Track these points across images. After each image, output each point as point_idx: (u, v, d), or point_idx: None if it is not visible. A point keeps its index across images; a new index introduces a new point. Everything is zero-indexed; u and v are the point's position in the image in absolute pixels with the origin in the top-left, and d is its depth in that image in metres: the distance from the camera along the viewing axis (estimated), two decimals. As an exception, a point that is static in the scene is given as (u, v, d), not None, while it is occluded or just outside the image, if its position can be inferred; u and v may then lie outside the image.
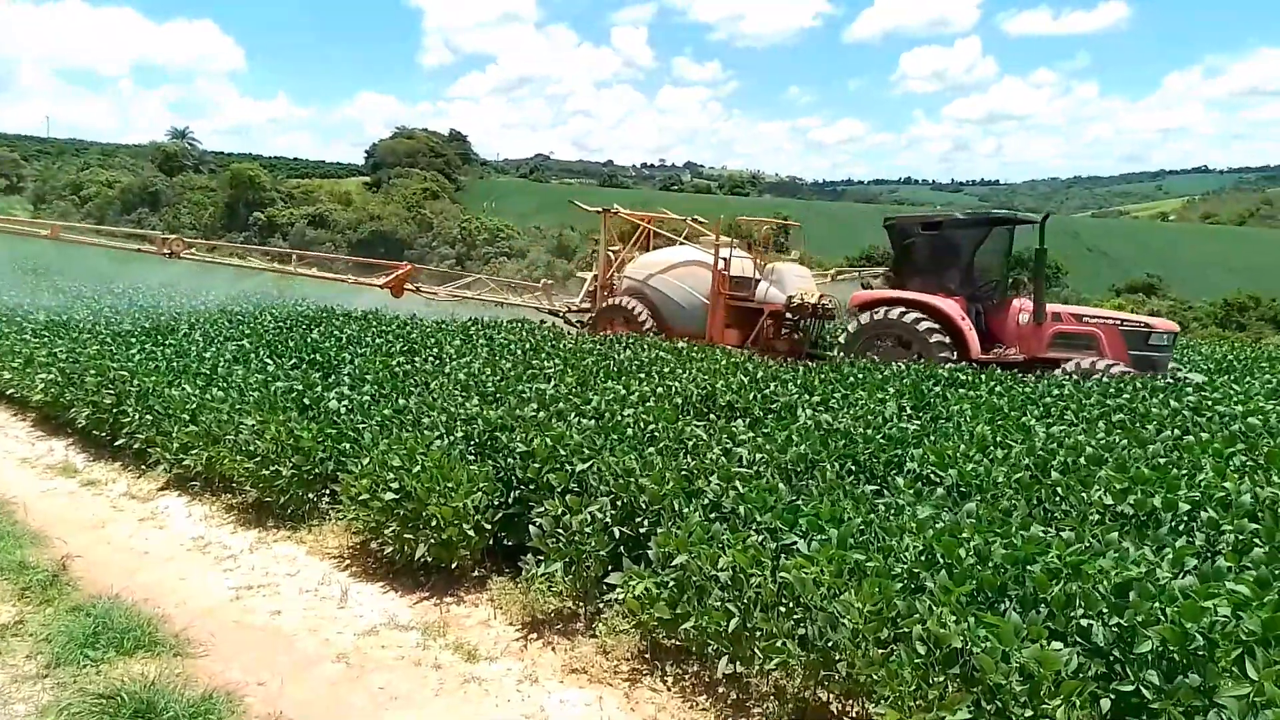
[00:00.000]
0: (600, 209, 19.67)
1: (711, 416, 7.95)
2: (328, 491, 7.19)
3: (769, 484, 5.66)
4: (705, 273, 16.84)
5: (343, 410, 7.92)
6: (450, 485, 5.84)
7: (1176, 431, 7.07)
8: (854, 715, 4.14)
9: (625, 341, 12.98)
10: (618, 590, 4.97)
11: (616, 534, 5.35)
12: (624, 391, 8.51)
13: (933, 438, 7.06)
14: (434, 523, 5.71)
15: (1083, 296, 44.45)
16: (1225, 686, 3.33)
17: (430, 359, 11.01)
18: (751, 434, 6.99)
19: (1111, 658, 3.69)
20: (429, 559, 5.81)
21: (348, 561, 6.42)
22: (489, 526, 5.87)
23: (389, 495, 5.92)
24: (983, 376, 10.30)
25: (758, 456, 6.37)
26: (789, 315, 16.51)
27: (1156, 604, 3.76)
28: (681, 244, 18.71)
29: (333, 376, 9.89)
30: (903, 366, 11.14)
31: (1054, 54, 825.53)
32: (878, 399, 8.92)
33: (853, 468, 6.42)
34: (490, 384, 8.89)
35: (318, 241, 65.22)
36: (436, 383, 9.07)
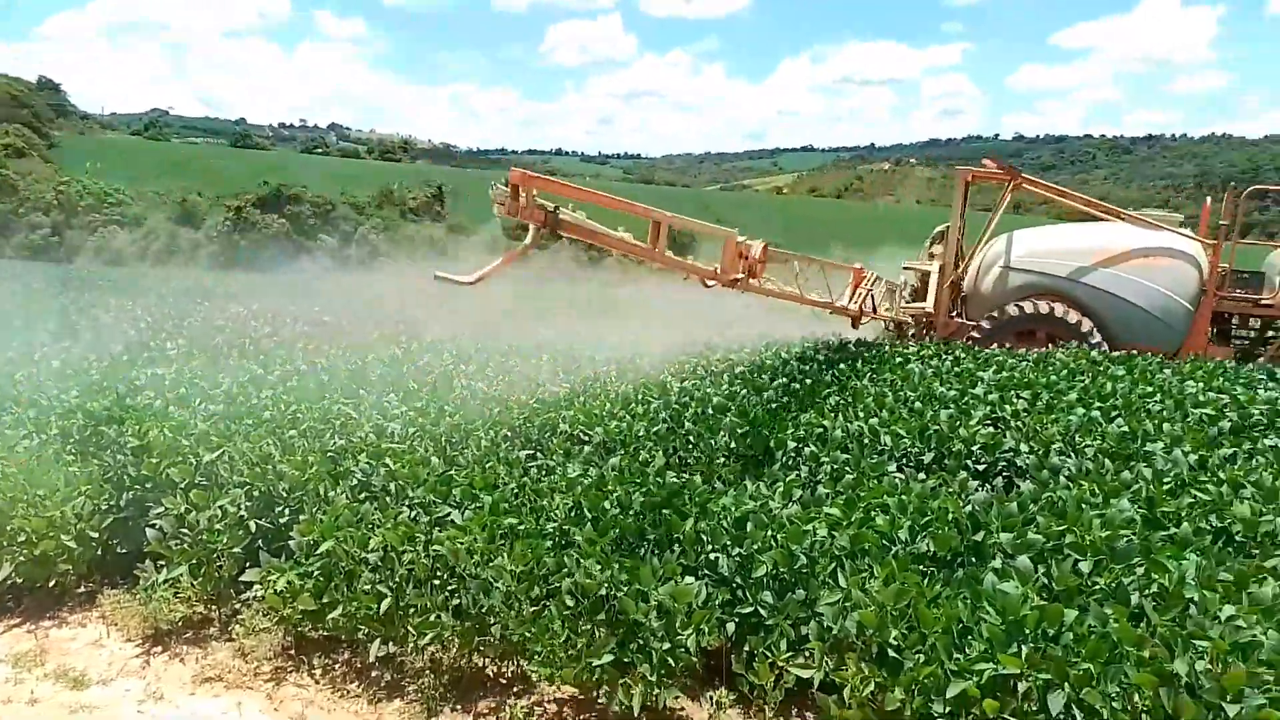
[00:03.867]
0: (982, 171, 13.67)
1: (362, 392, 7.61)
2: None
3: (421, 457, 5.55)
4: (1181, 265, 12.45)
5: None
6: (42, 493, 5.01)
7: (784, 379, 8.02)
8: (510, 675, 4.21)
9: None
10: (256, 588, 4.59)
11: (253, 527, 4.93)
12: (261, 371, 7.87)
13: (582, 399, 7.36)
14: (23, 537, 4.88)
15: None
16: (823, 596, 3.83)
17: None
18: (405, 408, 6.80)
19: (735, 584, 4.10)
20: (19, 579, 4.96)
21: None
22: (96, 535, 5.12)
23: (-44, 511, 4.95)
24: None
25: (410, 430, 6.22)
26: None
27: (769, 532, 4.24)
28: (1109, 221, 13.48)
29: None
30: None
31: (687, 36, 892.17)
32: (532, 364, 9.13)
33: (508, 434, 6.50)
34: (95, 370, 7.75)
35: None
36: (23, 372, 7.72)
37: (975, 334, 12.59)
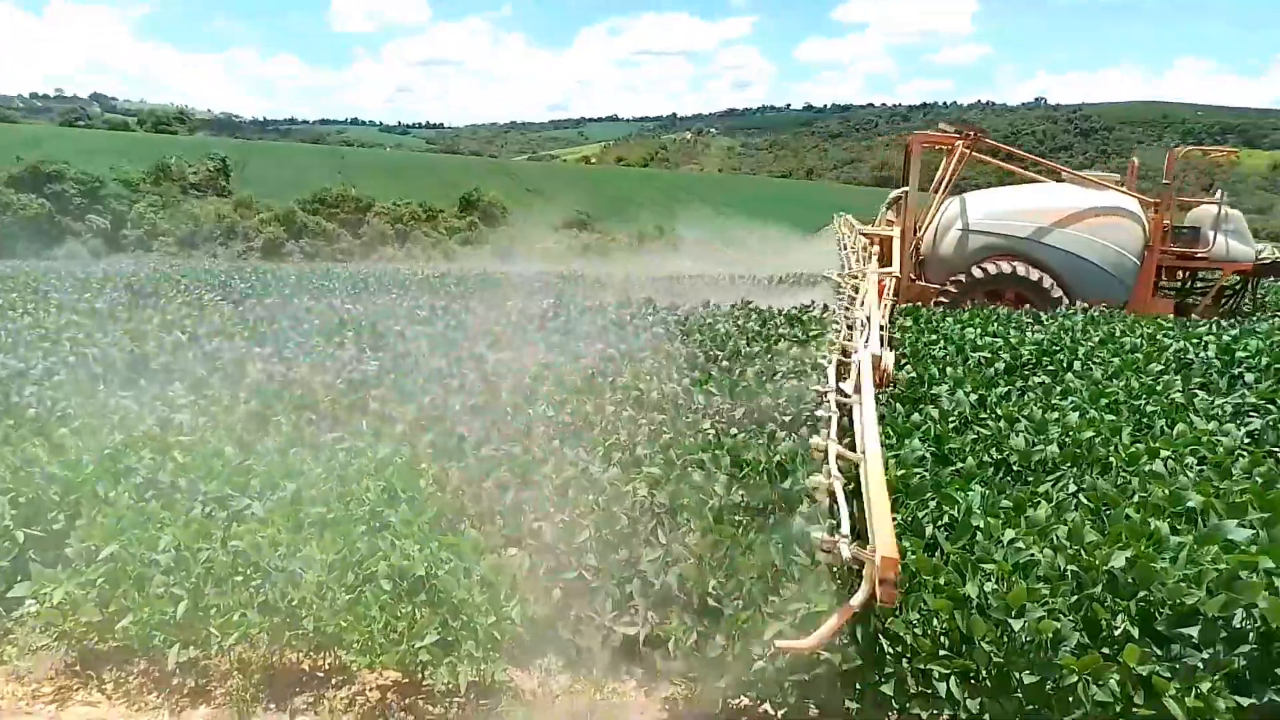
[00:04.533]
0: (952, 131, 14.01)
1: (142, 383, 6.95)
2: None
3: (214, 449, 5.15)
4: (1128, 224, 12.96)
5: None
6: None
7: (600, 345, 8.06)
8: (328, 667, 4.00)
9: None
10: (29, 603, 4.11)
11: (21, 537, 4.40)
12: (22, 366, 7.03)
13: (394, 376, 7.08)
14: None
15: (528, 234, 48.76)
16: (645, 554, 3.87)
17: None
18: (193, 397, 6.28)
19: (559, 550, 4.08)
20: None
21: None
22: None
23: None
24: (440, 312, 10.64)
25: (201, 420, 5.75)
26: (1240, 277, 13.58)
27: (589, 496, 4.24)
28: (1045, 183, 14.20)
29: None
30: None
31: (483, 2, 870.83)
32: (335, 342, 8.68)
33: (313, 417, 6.15)
34: None
35: None
36: None
37: (944, 298, 12.85)
